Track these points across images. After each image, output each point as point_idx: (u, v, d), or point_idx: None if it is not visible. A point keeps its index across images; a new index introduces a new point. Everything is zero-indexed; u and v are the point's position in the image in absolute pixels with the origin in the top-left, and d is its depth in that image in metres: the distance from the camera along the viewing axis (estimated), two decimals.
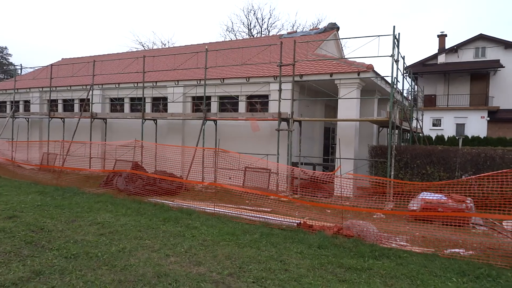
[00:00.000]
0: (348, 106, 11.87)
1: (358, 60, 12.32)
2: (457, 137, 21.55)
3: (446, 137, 23.33)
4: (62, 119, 17.29)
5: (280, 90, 11.67)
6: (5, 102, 21.46)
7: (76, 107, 18.24)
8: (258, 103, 13.73)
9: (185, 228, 7.27)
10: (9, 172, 13.62)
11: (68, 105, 18.80)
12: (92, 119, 15.66)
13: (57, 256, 5.29)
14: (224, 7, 66.58)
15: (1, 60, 79.04)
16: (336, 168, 9.87)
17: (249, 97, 13.70)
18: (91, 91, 15.78)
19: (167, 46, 44.35)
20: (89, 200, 9.59)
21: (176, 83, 14.68)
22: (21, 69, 23.01)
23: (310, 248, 6.29)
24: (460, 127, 27.54)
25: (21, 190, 10.51)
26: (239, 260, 5.50)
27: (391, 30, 10.59)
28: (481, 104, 28.20)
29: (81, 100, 18.02)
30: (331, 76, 11.92)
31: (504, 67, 28.04)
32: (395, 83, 10.75)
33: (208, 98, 13.71)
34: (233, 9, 70.31)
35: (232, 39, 40.57)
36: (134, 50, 44.92)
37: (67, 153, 14.90)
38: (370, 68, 11.55)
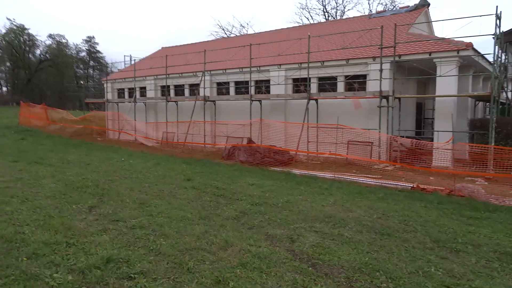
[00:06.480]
0: (447, 82, 12.74)
1: (456, 39, 13.03)
2: None
3: None
4: (176, 102, 20.12)
5: (381, 70, 12.90)
6: (123, 89, 25.10)
7: (186, 92, 20.98)
8: (355, 83, 15.05)
9: (319, 189, 9.12)
10: (148, 148, 16.66)
11: (179, 90, 21.64)
12: (205, 102, 18.19)
13: (247, 203, 7.40)
14: None
15: (90, 48, 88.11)
16: (449, 139, 11.04)
17: (347, 77, 15.06)
18: (202, 77, 18.24)
19: (246, 29, 46.43)
20: (227, 169, 11.88)
21: (279, 67, 16.49)
22: (130, 60, 26.62)
23: (431, 204, 7.80)
24: None
25: (169, 162, 13.17)
26: (379, 209, 7.20)
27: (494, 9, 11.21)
28: None
29: (191, 85, 20.70)
30: (430, 55, 12.84)
31: None
32: (496, 60, 11.44)
33: (309, 79, 15.31)
34: None
35: (310, 21, 41.30)
36: (214, 33, 47.68)
37: (187, 132, 17.68)
38: (469, 46, 12.26)
